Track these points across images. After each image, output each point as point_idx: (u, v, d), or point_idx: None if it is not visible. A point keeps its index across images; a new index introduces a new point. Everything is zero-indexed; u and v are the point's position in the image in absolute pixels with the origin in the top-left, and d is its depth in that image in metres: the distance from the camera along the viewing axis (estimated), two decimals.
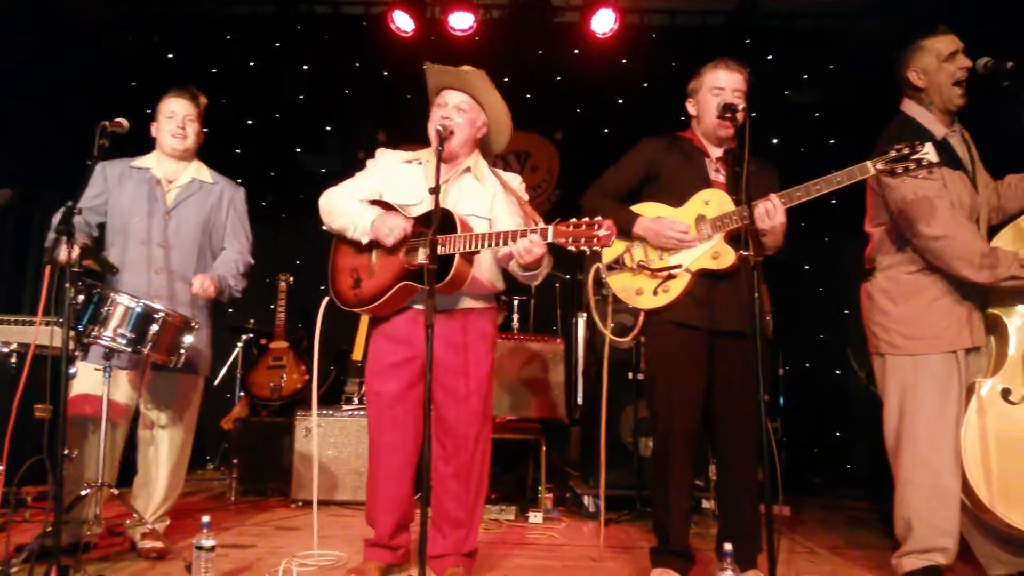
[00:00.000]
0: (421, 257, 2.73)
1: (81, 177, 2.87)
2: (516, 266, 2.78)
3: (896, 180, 2.81)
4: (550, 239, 2.54)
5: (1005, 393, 2.84)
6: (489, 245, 2.65)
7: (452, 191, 2.91)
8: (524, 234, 2.58)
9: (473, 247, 2.65)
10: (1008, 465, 2.78)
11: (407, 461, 2.91)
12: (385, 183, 2.97)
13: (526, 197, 2.98)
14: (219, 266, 3.37)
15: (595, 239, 2.45)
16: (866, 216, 3.13)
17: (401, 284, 2.77)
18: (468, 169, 2.96)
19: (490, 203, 2.93)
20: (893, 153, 2.59)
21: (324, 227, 2.99)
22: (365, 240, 2.84)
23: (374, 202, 2.92)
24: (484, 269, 2.90)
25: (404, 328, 2.89)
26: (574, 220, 2.51)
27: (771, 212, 2.69)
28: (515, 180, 3.01)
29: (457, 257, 2.66)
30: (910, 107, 3.01)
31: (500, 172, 3.01)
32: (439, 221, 2.59)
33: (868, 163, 2.64)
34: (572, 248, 2.49)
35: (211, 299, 3.31)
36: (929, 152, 2.54)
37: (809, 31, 6.04)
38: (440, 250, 2.64)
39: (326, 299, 2.97)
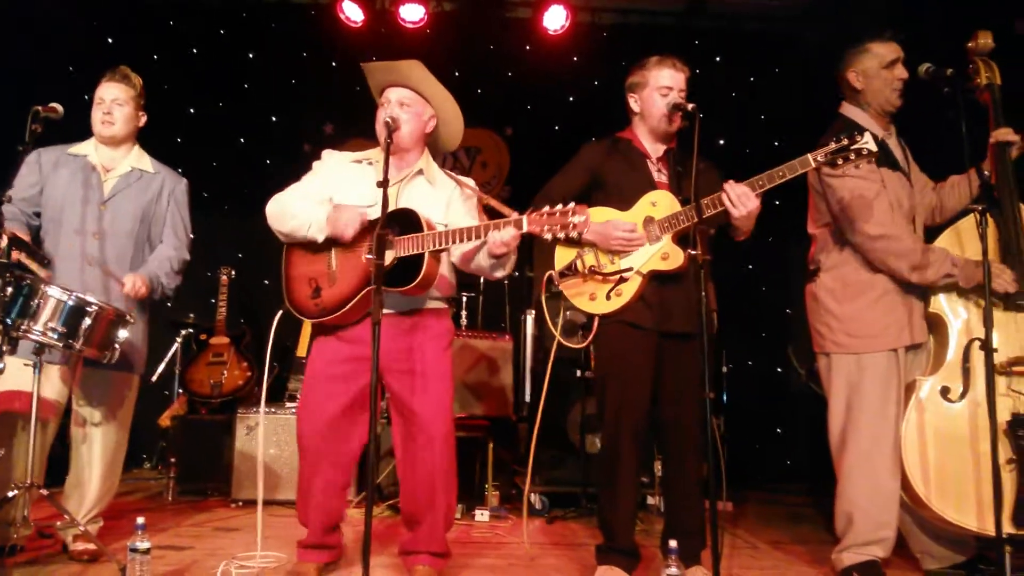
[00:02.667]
0: (388, 258, 2.59)
1: (12, 165, 2.75)
2: (485, 258, 2.73)
3: (837, 180, 2.86)
4: (525, 229, 2.52)
5: (944, 391, 2.91)
6: (461, 240, 2.60)
7: (403, 194, 2.82)
8: (498, 226, 2.54)
9: (444, 244, 2.60)
10: (945, 462, 2.86)
11: (346, 465, 2.85)
12: (334, 185, 2.85)
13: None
14: (152, 264, 3.22)
15: (571, 225, 2.43)
16: (808, 217, 3.19)
17: (368, 289, 2.65)
18: (420, 171, 2.88)
19: (444, 207, 2.85)
20: (833, 145, 2.60)
21: (277, 234, 2.86)
22: (322, 237, 2.72)
23: None
24: (444, 269, 2.83)
25: (355, 328, 2.79)
26: (547, 208, 2.48)
27: (743, 198, 2.65)
28: (470, 183, 2.95)
29: (427, 256, 2.60)
30: (848, 109, 3.07)
31: (454, 175, 2.94)
32: (403, 221, 2.53)
33: (809, 156, 2.65)
34: (547, 236, 2.48)
35: (143, 299, 3.16)
36: (869, 142, 2.56)
37: (756, 34, 6.14)
38: (409, 250, 2.60)
39: (280, 313, 2.85)
